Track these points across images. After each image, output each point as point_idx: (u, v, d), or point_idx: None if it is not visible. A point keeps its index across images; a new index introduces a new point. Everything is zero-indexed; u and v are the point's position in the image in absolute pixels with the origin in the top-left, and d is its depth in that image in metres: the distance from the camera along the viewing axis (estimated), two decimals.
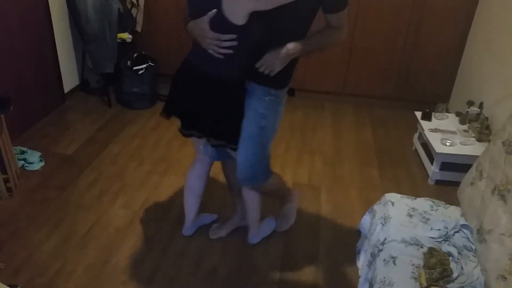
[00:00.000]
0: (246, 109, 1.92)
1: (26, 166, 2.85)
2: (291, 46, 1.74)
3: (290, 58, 1.78)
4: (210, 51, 1.72)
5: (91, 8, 3.40)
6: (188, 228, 2.39)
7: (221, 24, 1.64)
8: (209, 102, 1.87)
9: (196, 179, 2.23)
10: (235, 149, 1.98)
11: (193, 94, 1.88)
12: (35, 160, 2.89)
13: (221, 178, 2.55)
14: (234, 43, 1.67)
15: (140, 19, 3.92)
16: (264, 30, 1.69)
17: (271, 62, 1.75)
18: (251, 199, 2.19)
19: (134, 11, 3.87)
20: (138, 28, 3.94)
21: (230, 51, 1.69)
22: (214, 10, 1.63)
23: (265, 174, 2.07)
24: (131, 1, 3.81)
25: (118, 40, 3.66)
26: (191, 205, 2.30)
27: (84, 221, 2.45)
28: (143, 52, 3.80)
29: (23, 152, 2.93)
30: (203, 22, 1.67)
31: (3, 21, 2.93)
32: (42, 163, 2.90)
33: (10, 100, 2.47)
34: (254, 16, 1.63)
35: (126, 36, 3.75)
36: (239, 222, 2.42)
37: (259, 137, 1.94)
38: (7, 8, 2.95)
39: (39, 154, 2.96)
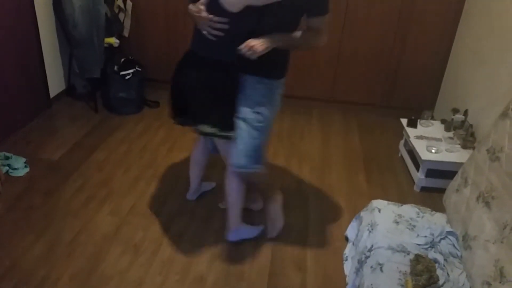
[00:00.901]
0: (242, 99, 2.05)
1: (10, 172, 2.80)
2: (273, 35, 1.88)
3: (271, 46, 1.87)
4: (204, 32, 1.88)
5: (78, 12, 3.38)
6: (191, 194, 2.70)
7: (216, 8, 1.80)
8: (206, 86, 2.00)
9: (200, 154, 2.51)
10: (225, 137, 2.10)
11: (192, 78, 2.02)
12: (20, 166, 2.84)
13: None
14: (226, 26, 1.82)
15: (127, 24, 3.90)
16: (255, 22, 1.86)
17: (252, 45, 1.84)
18: (234, 193, 2.25)
19: (121, 15, 3.85)
20: (126, 33, 3.92)
21: (222, 34, 1.85)
22: None
23: (260, 160, 2.15)
24: (119, 6, 3.79)
25: (105, 45, 3.63)
26: (195, 175, 2.62)
27: (70, 228, 2.42)
28: (130, 57, 3.78)
29: (7, 158, 2.88)
30: (201, 3, 1.83)
31: None
32: (27, 169, 2.86)
33: None
34: (248, 8, 1.79)
35: (113, 40, 3.73)
36: (249, 205, 2.60)
37: (256, 122, 2.05)
38: None
39: (24, 160, 2.92)
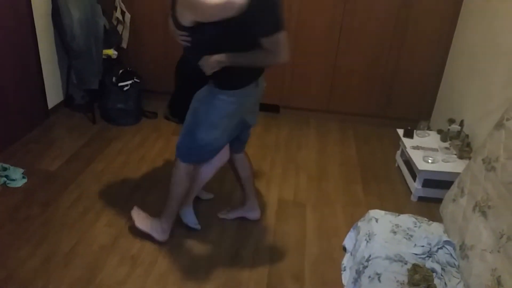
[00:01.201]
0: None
1: (8, 183, 2.80)
2: (218, 56, 1.97)
3: (218, 65, 1.99)
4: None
5: (77, 24, 3.41)
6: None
7: (176, 22, 1.98)
8: (182, 80, 2.33)
9: None
10: None
11: (177, 73, 2.36)
12: (17, 177, 2.84)
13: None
14: (188, 38, 1.98)
15: (125, 35, 3.93)
16: (209, 36, 1.95)
17: (203, 64, 2.01)
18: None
19: (120, 27, 3.88)
20: (124, 45, 3.95)
21: (188, 44, 2.01)
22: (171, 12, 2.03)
23: (183, 153, 2.26)
24: (117, 18, 3.83)
25: (104, 56, 3.66)
26: None
27: (68, 239, 2.42)
28: (128, 68, 3.80)
29: (5, 169, 2.88)
30: (169, 17, 2.05)
31: None
32: (25, 180, 2.86)
33: None
34: (199, 23, 1.90)
35: (112, 52, 3.75)
36: (245, 213, 2.65)
37: (191, 116, 2.18)
38: None
39: (22, 170, 2.92)
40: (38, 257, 2.29)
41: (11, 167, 2.92)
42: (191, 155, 2.25)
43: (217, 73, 2.03)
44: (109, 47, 3.74)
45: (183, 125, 2.22)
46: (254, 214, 2.65)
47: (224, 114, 2.13)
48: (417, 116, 3.66)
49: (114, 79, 3.66)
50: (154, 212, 2.67)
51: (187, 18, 1.91)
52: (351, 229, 2.45)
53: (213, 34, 1.93)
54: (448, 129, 3.13)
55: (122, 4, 3.81)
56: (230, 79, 2.08)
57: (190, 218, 2.54)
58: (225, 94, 2.09)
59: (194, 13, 1.87)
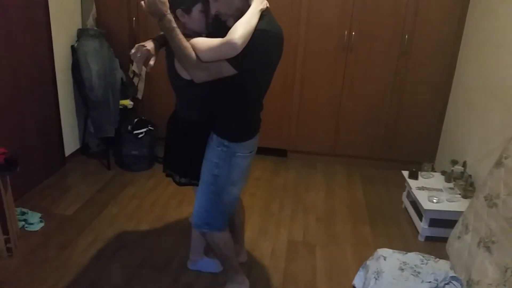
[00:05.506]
0: (204, 159, 2.13)
1: (26, 227, 2.90)
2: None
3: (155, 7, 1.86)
4: None
5: (95, 77, 3.62)
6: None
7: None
8: (181, 142, 2.24)
9: None
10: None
11: (174, 136, 2.28)
12: (35, 221, 2.95)
13: None
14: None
15: (141, 87, 4.15)
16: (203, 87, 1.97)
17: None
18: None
19: (135, 80, 4.11)
20: (139, 96, 4.16)
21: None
22: None
23: (218, 223, 2.18)
24: (133, 71, 4.06)
25: (120, 107, 3.85)
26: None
27: (83, 281, 2.48)
28: (143, 117, 3.98)
29: (23, 213, 2.99)
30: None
31: (13, 89, 3.12)
32: (42, 224, 2.96)
33: (17, 162, 2.58)
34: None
35: (128, 102, 3.96)
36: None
37: (212, 185, 2.10)
38: (18, 77, 3.16)
39: (39, 215, 3.03)
40: None
41: (30, 212, 3.03)
42: (223, 218, 2.19)
43: (228, 126, 2.06)
44: (125, 98, 3.96)
45: (202, 195, 2.15)
46: (241, 258, 2.63)
47: (244, 169, 2.14)
48: (421, 158, 3.76)
49: (129, 127, 3.83)
50: (167, 253, 2.74)
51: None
52: (360, 268, 2.49)
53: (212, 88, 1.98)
54: (452, 170, 3.22)
55: None
56: (242, 130, 2.08)
57: (211, 265, 2.59)
58: (242, 149, 2.07)
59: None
